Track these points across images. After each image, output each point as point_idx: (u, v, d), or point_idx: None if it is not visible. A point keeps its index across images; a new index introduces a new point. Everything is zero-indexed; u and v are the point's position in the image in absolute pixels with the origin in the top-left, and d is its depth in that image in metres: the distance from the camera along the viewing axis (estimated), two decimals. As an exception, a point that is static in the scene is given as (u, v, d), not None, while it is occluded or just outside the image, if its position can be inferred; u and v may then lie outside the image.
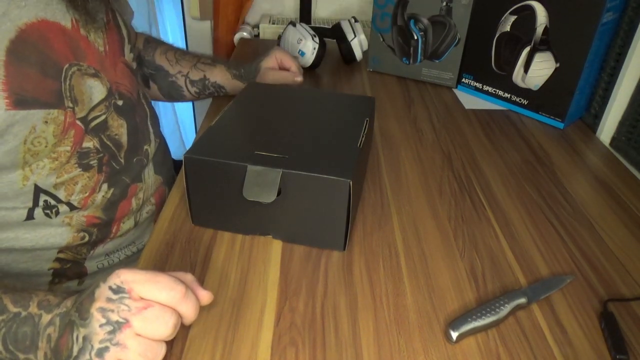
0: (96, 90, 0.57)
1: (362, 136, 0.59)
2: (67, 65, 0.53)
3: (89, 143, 0.57)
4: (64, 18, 0.53)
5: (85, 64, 0.55)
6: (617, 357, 0.44)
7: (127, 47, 0.64)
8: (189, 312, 0.41)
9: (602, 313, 0.49)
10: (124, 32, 0.64)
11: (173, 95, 0.82)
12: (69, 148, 0.54)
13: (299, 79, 0.82)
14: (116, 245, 0.65)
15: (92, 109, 0.56)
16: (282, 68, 0.84)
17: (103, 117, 0.58)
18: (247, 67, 0.83)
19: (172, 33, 1.59)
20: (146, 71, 0.80)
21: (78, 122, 0.55)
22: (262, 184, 0.52)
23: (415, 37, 0.95)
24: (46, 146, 0.52)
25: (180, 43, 1.43)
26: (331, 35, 1.03)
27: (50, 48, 0.51)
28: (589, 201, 0.66)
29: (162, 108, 1.75)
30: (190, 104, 1.83)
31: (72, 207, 0.58)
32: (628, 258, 0.57)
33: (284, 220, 0.55)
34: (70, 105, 0.53)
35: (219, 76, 0.82)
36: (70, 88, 0.53)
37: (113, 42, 0.60)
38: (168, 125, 1.79)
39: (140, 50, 0.79)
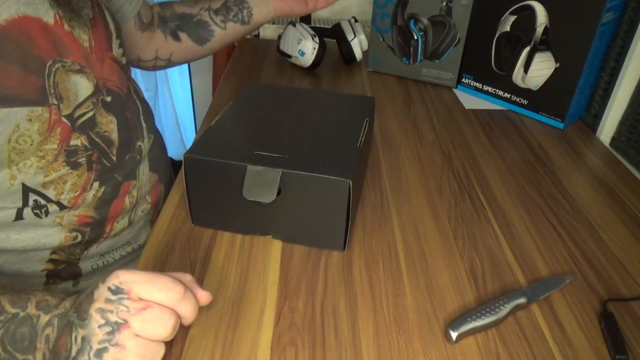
0: (82, 86, 0.56)
1: (362, 136, 0.59)
2: (50, 62, 0.52)
3: (77, 141, 0.56)
4: (47, 14, 0.52)
5: (69, 60, 0.54)
6: (617, 357, 0.44)
7: (115, 43, 0.63)
8: (188, 312, 0.41)
9: (602, 313, 0.49)
10: (112, 27, 0.63)
11: (203, 35, 0.82)
12: (55, 146, 0.54)
13: None
14: (110, 245, 0.65)
15: (79, 105, 0.55)
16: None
17: (91, 113, 0.57)
18: None
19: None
20: (171, 25, 0.81)
21: (64, 120, 0.54)
22: (262, 184, 0.52)
23: (415, 37, 0.95)
24: (32, 144, 0.51)
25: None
26: (331, 35, 1.03)
27: (33, 44, 0.50)
28: (589, 201, 0.66)
29: (162, 108, 1.75)
30: (190, 104, 1.83)
31: (62, 207, 0.57)
32: (628, 258, 0.57)
33: (284, 220, 0.55)
34: (55, 102, 0.52)
35: None
36: (54, 85, 0.52)
37: (99, 37, 0.59)
38: (168, 125, 1.79)
39: (158, 13, 0.81)
